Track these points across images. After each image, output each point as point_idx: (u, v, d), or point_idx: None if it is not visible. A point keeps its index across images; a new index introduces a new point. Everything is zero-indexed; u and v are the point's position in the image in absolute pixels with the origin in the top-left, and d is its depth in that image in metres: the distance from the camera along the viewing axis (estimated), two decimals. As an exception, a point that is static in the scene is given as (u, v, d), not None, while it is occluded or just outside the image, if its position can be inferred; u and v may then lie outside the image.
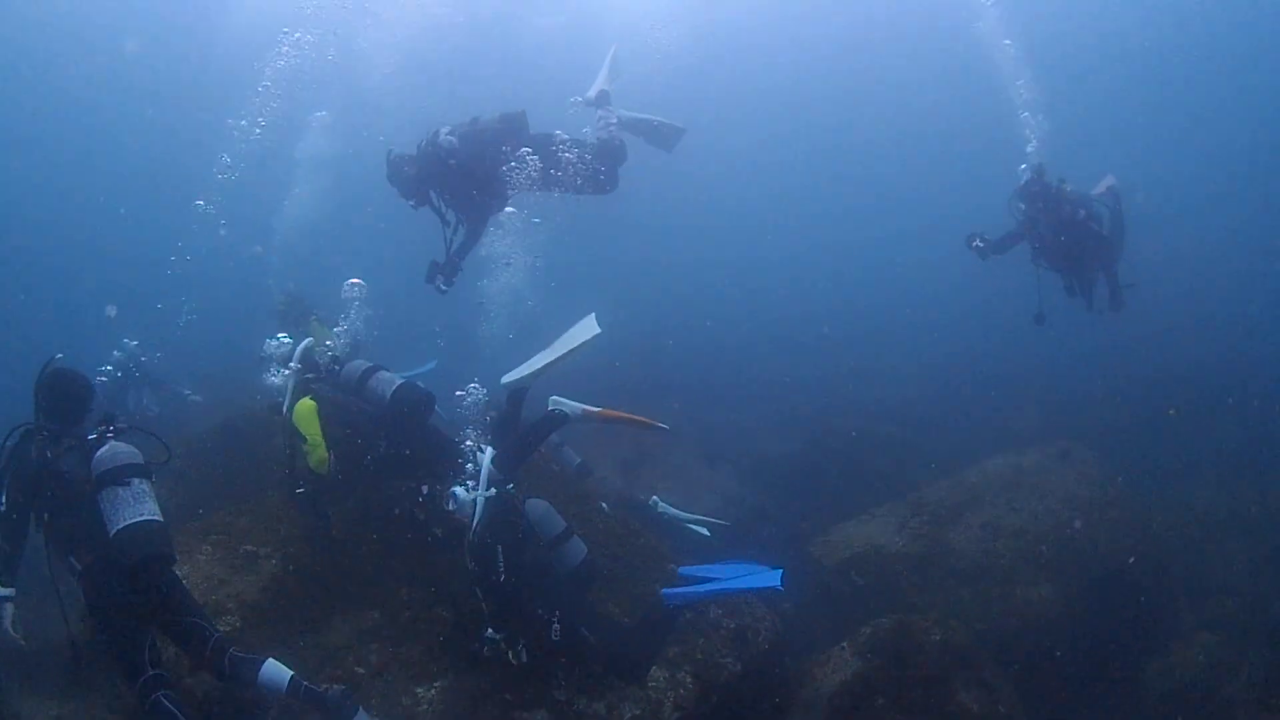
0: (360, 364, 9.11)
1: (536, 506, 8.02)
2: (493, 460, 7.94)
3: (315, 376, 9.13)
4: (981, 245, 11.72)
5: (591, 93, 10.76)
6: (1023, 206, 11.50)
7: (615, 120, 10.64)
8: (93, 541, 6.29)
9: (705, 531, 11.58)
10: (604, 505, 10.35)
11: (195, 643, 6.53)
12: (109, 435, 6.60)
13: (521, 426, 9.05)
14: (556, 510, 8.15)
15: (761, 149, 39.69)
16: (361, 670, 7.50)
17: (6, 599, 6.42)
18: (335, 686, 6.69)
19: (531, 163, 9.98)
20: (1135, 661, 10.22)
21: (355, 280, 10.67)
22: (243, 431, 12.32)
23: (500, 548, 7.39)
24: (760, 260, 39.65)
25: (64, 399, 6.82)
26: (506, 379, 9.33)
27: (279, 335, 9.49)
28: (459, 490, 7.69)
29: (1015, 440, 13.84)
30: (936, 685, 8.29)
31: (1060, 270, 11.90)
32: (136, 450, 6.58)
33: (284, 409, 8.94)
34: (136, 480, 6.37)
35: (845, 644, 8.97)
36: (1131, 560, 10.66)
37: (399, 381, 8.89)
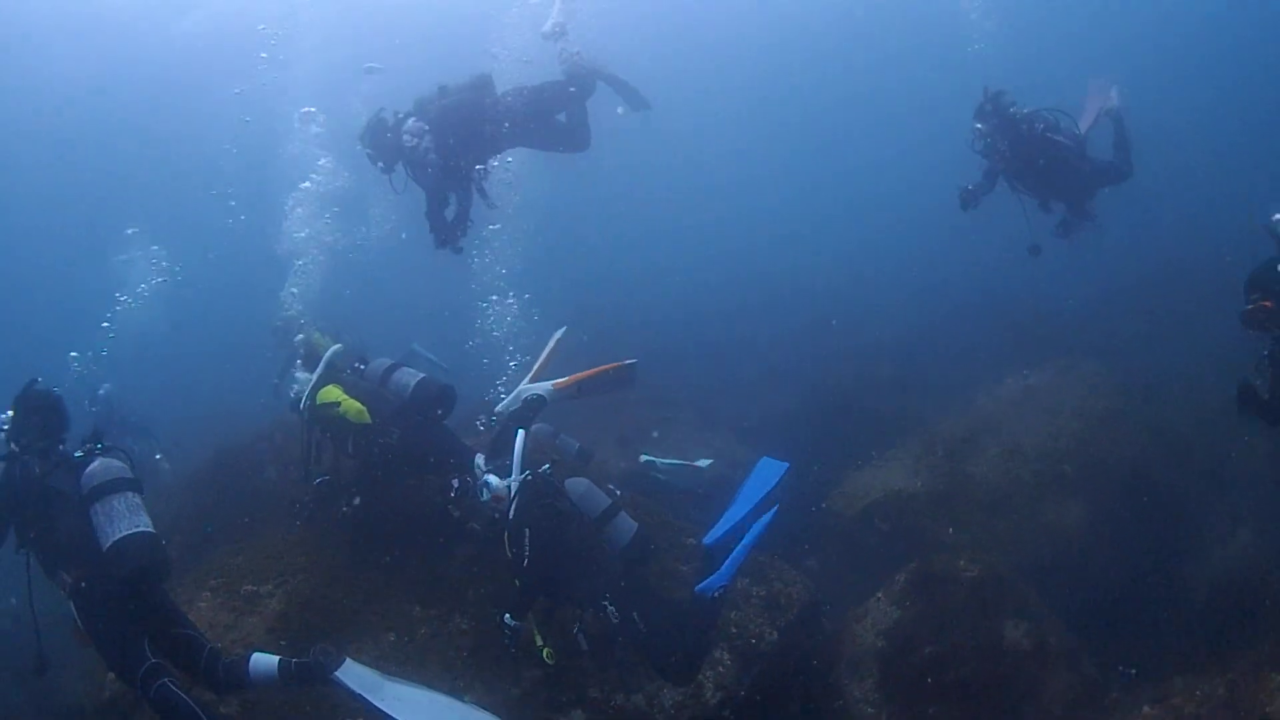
0: (384, 361, 9.18)
1: (577, 485, 7.64)
2: (524, 444, 7.71)
3: (340, 374, 9.23)
4: (971, 189, 11.37)
5: (547, 26, 10.63)
6: (979, 126, 11.15)
7: (577, 50, 10.52)
8: (84, 555, 6.28)
9: (704, 464, 11.35)
10: (614, 489, 10.05)
11: (189, 655, 6.50)
12: (96, 452, 6.62)
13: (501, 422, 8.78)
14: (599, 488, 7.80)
15: (725, 105, 39.17)
16: (386, 696, 7.14)
17: None
18: (317, 646, 6.68)
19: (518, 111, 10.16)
20: (1175, 567, 9.95)
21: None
22: (233, 466, 11.98)
23: (528, 531, 7.11)
24: (734, 215, 39.26)
25: (50, 419, 6.91)
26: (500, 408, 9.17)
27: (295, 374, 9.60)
28: (492, 478, 7.50)
29: (1017, 362, 13.53)
30: (981, 623, 8.08)
31: (1036, 192, 11.58)
32: (126, 465, 6.64)
33: (303, 403, 8.98)
34: (130, 493, 6.41)
35: (880, 594, 8.70)
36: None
37: (421, 376, 8.89)
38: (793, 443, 14.04)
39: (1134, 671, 8.42)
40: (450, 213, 10.36)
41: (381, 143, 10.18)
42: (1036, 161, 11.09)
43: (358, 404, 8.71)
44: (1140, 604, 9.44)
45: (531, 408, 8.56)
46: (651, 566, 7.84)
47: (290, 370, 9.93)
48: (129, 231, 17.25)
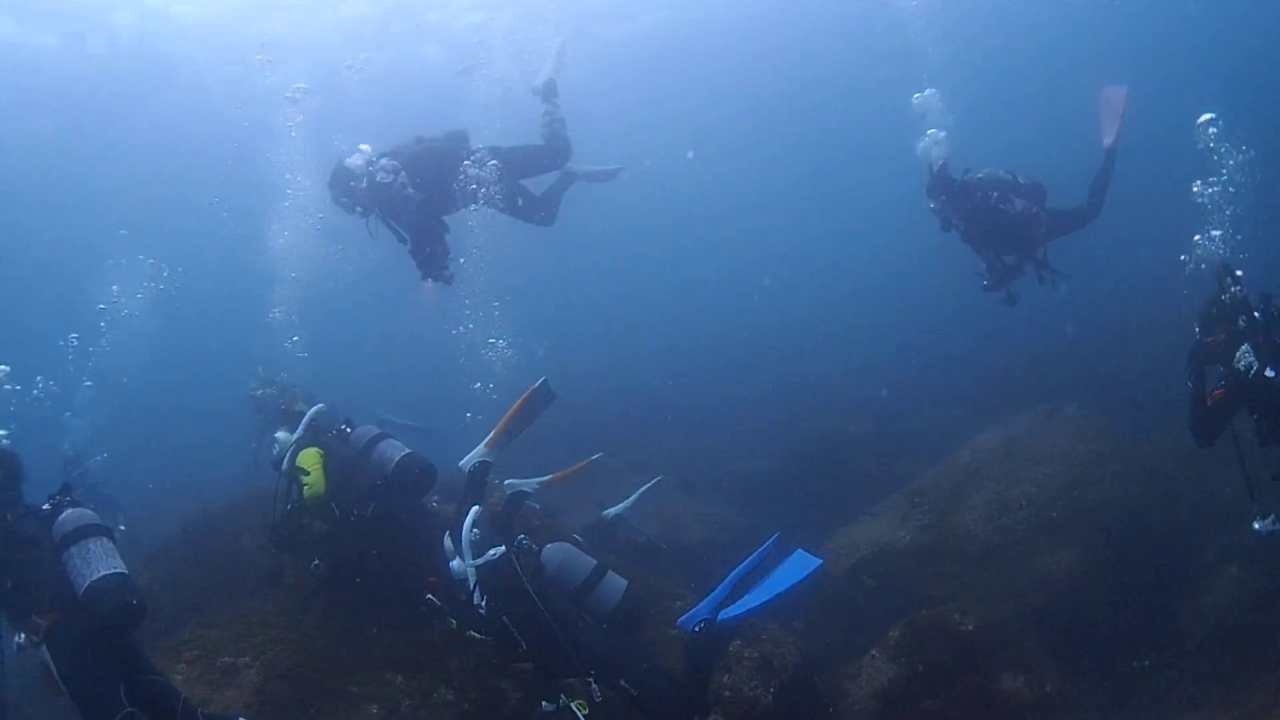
0: (369, 429, 8.94)
1: (555, 553, 7.25)
2: (475, 521, 7.33)
3: (323, 434, 9.00)
4: (989, 283, 11.26)
5: (538, 81, 10.71)
6: (932, 205, 11.10)
7: (561, 116, 10.59)
8: (57, 599, 6.27)
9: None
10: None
11: (164, 702, 6.42)
12: (65, 504, 6.66)
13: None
14: (583, 548, 7.49)
15: (702, 168, 39.30)
16: (369, 772, 6.91)
17: None
18: None
19: (490, 170, 10.13)
20: (1170, 607, 9.82)
21: None
22: (202, 536, 11.73)
23: (506, 619, 6.84)
24: (696, 278, 39.39)
25: (11, 475, 6.99)
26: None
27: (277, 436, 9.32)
28: (453, 564, 7.22)
29: (997, 412, 13.47)
30: (978, 675, 7.95)
31: (998, 253, 11.47)
32: (96, 514, 6.67)
33: (284, 463, 8.72)
34: (104, 539, 6.44)
35: (874, 650, 8.55)
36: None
37: (406, 451, 8.60)
38: (776, 502, 13.96)
39: (1146, 663, 8.50)
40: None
41: (353, 189, 10.16)
42: (992, 230, 11.03)
43: (320, 487, 8.48)
44: (1138, 646, 9.30)
45: (479, 476, 8.31)
46: (643, 632, 7.58)
47: (270, 433, 9.75)
48: (121, 232, 17.19)
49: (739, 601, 6.97)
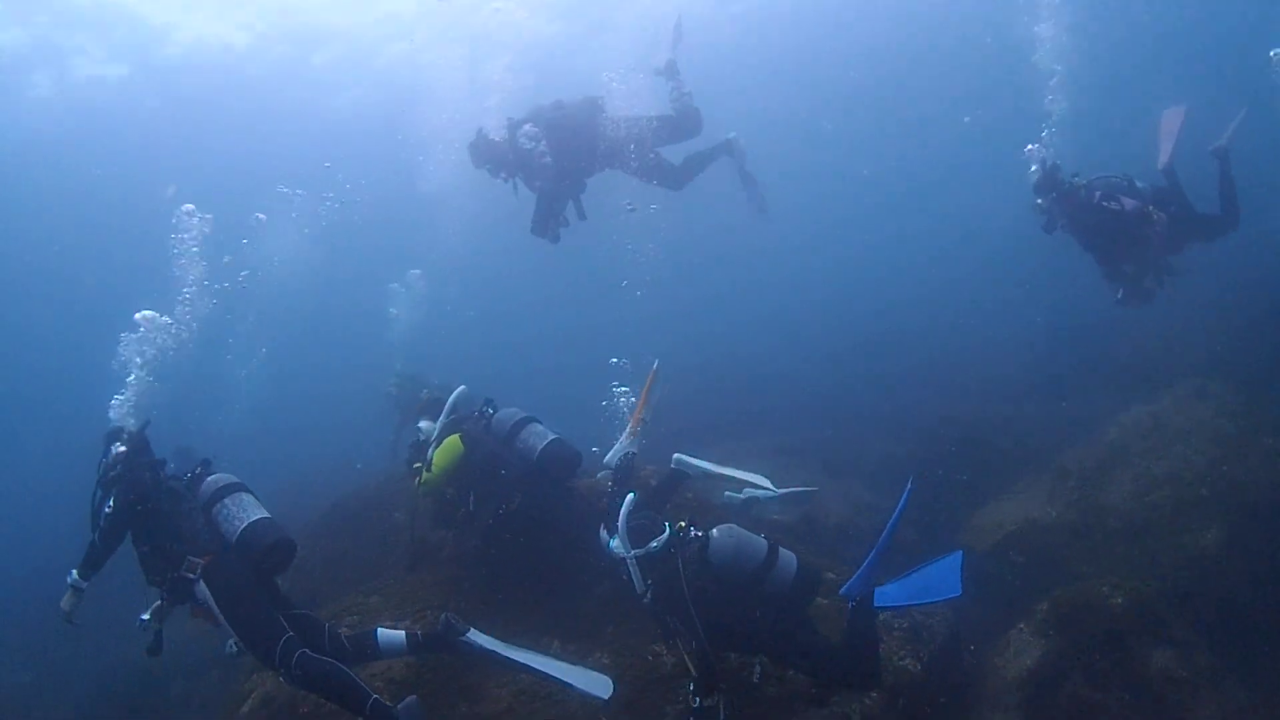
0: (514, 412, 9.12)
1: (727, 538, 7.02)
2: (630, 509, 7.13)
3: (466, 419, 9.21)
4: (1124, 292, 11.12)
5: (660, 62, 11.00)
6: (1040, 201, 10.99)
7: (687, 90, 10.90)
8: (210, 544, 6.92)
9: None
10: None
11: (312, 631, 7.03)
12: (208, 472, 7.38)
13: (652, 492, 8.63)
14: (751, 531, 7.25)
15: (818, 152, 39.02)
16: (528, 734, 7.18)
17: (81, 589, 7.05)
18: (444, 615, 7.22)
19: (627, 137, 10.66)
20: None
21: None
22: (356, 513, 12.20)
23: (671, 619, 6.80)
24: (826, 267, 39.09)
25: (147, 452, 7.63)
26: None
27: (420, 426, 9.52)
28: (613, 543, 7.13)
29: (1142, 389, 13.25)
30: (1128, 652, 7.93)
31: (1102, 258, 11.33)
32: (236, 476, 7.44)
33: (430, 452, 8.96)
34: (251, 494, 7.24)
35: (1022, 625, 8.58)
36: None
37: (551, 437, 8.80)
38: (918, 482, 13.91)
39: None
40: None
41: (495, 155, 10.66)
42: (1099, 231, 10.92)
43: (434, 484, 8.84)
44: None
45: (628, 466, 8.34)
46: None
47: (409, 425, 10.05)
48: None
49: (896, 590, 7.06)
